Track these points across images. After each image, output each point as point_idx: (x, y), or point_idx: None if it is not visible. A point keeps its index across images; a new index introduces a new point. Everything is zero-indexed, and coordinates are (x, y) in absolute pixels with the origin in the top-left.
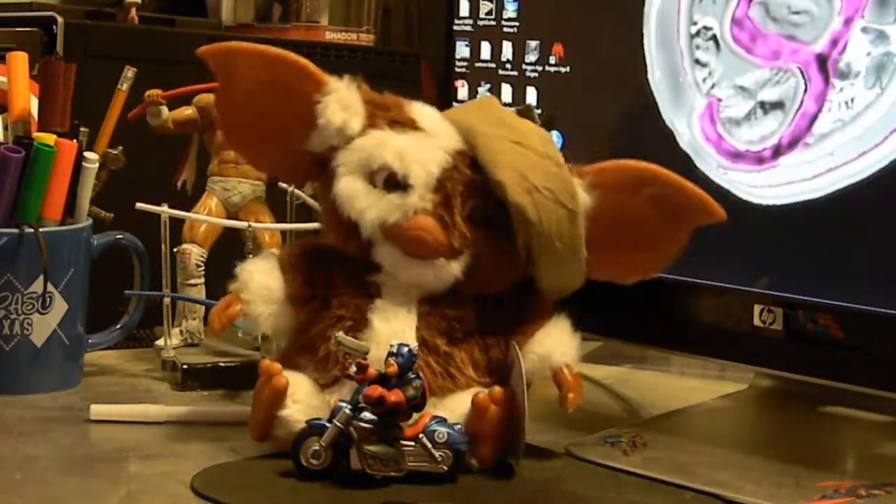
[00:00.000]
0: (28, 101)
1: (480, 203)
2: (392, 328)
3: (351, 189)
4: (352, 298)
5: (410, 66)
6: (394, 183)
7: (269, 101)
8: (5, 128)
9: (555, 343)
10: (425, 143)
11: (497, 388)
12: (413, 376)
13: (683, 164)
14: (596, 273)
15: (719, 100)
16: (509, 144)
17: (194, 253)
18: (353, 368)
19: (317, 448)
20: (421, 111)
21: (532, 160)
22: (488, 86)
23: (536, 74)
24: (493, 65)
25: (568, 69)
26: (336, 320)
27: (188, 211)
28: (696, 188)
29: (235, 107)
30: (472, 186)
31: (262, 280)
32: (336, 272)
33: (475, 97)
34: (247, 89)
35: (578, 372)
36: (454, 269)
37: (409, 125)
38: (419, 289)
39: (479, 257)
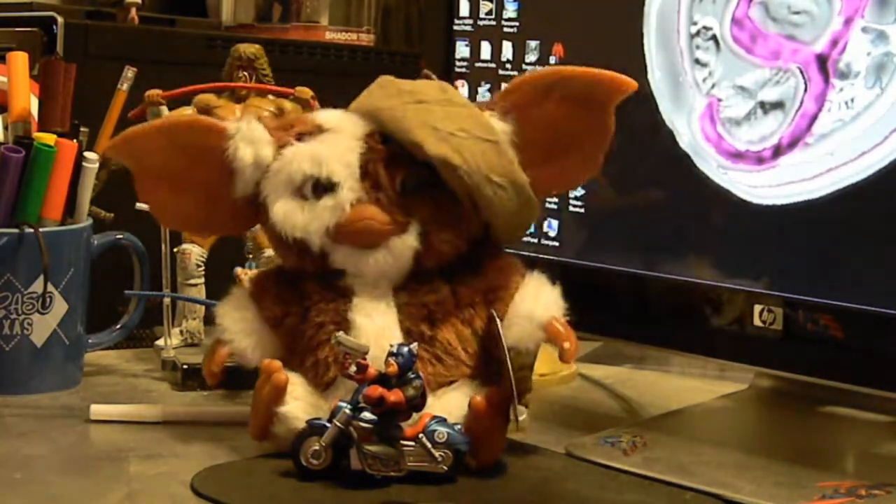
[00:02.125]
0: (28, 101)
1: (406, 171)
2: (376, 324)
3: (285, 211)
4: (329, 303)
5: (410, 65)
6: (322, 188)
7: (186, 169)
8: (5, 128)
9: (535, 300)
10: (335, 139)
11: (492, 389)
12: (413, 376)
13: (683, 163)
14: (542, 191)
15: (719, 100)
16: (412, 106)
17: (194, 253)
18: (353, 368)
19: (317, 448)
20: (324, 115)
21: (437, 112)
22: (488, 86)
23: None
24: (493, 65)
25: None
26: (318, 327)
27: None
28: (598, 70)
29: (158, 189)
30: (394, 159)
31: (236, 314)
32: (305, 284)
33: (476, 98)
34: (160, 167)
35: (580, 374)
36: (409, 241)
37: (316, 132)
38: (387, 277)
39: (426, 222)
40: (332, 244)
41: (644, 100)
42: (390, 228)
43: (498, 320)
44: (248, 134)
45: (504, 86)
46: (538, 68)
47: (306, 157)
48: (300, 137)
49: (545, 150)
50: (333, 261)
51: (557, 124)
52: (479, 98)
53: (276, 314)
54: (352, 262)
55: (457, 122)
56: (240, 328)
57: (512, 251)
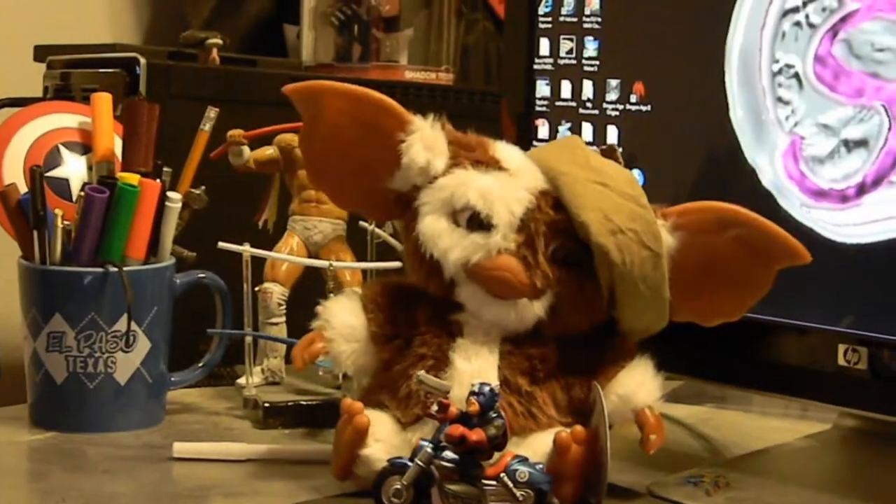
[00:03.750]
0: (112, 142)
1: (563, 244)
2: (474, 367)
3: (434, 228)
4: (434, 337)
5: (490, 104)
6: (477, 223)
7: (354, 139)
8: (90, 168)
9: (637, 384)
10: (509, 183)
11: (579, 428)
12: (494, 415)
13: (766, 202)
14: (679, 315)
15: (802, 138)
16: (593, 185)
17: (276, 292)
18: (435, 407)
19: (398, 487)
20: (504, 151)
21: (616, 201)
22: (569, 125)
23: (617, 113)
24: (573, 103)
25: (649, 108)
26: (418, 359)
27: (270, 250)
28: (780, 230)
29: (320, 144)
30: (556, 227)
31: (345, 318)
32: (418, 311)
33: (556, 136)
34: (331, 127)
35: (661, 413)
36: (537, 309)
37: (493, 165)
38: (501, 328)
39: (561, 298)
40: (464, 278)
41: (726, 139)
42: (525, 289)
43: (602, 396)
44: (427, 137)
45: (685, 205)
46: (710, 204)
47: (476, 187)
48: (476, 164)
49: (699, 280)
50: (458, 294)
51: (721, 261)
52: (559, 135)
53: (384, 333)
54: (476, 303)
55: (629, 220)
56: (344, 333)
57: None
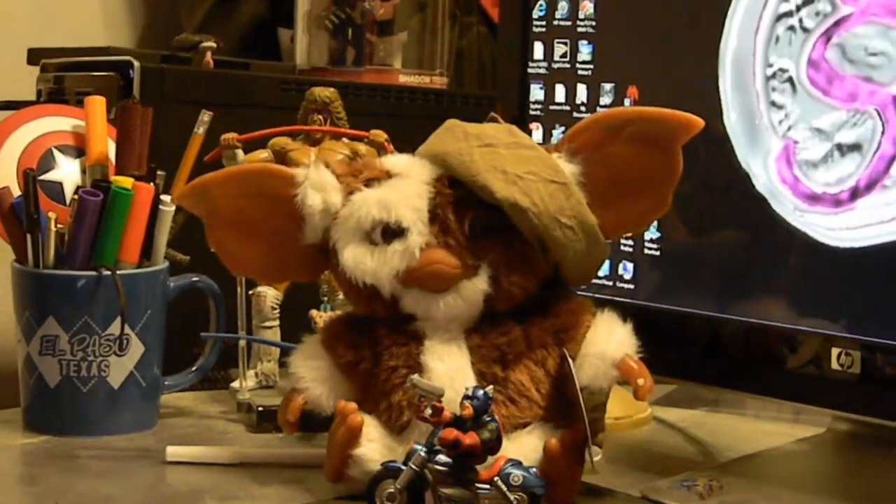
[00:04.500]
0: (105, 145)
1: (475, 215)
2: (448, 366)
3: (355, 256)
4: (400, 347)
5: (484, 108)
6: (391, 233)
7: (255, 215)
8: (84, 171)
9: (606, 338)
10: (403, 184)
11: (566, 432)
12: (488, 419)
13: (759, 206)
14: (612, 231)
15: (795, 142)
16: (479, 149)
17: (269, 296)
18: (429, 411)
19: (392, 490)
20: (392, 160)
21: (505, 154)
22: (563, 128)
23: None
24: (567, 107)
25: None
26: (391, 372)
27: None
28: (664, 109)
29: (229, 237)
30: (461, 203)
31: (309, 364)
32: (377, 329)
33: (549, 140)
34: (231, 214)
35: (654, 417)
36: (479, 284)
37: (384, 177)
38: (458, 320)
39: (496, 265)
40: (402, 289)
41: (719, 142)
42: (460, 272)
43: (570, 360)
44: (316, 180)
45: (571, 129)
46: (592, 117)
47: (374, 202)
48: (368, 183)
49: (614, 191)
50: (404, 305)
51: (626, 164)
52: (553, 137)
53: (348, 360)
54: (422, 306)
55: (525, 164)
56: (313, 376)
57: (587, 294)
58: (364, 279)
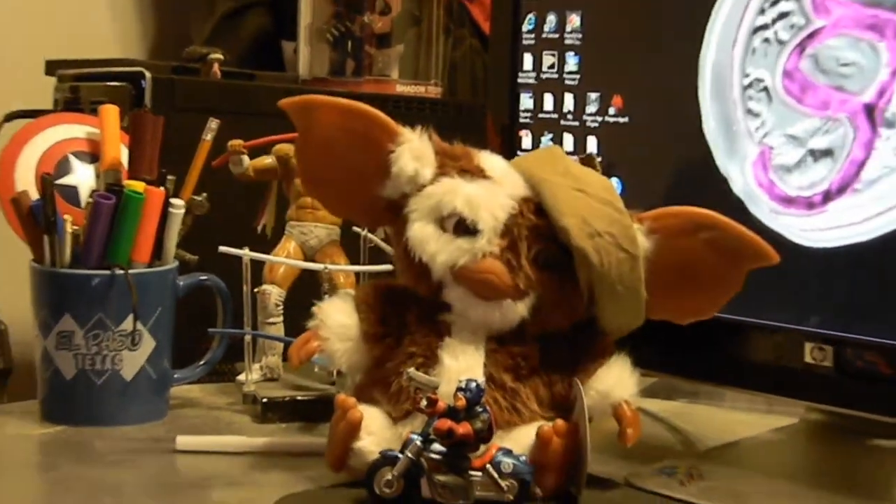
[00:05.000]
0: (119, 151)
1: (545, 247)
2: (461, 365)
3: (422, 233)
4: (423, 336)
5: (476, 117)
6: (463, 228)
7: (346, 150)
8: (98, 176)
9: (615, 380)
10: (493, 190)
11: (560, 421)
12: (480, 410)
13: (737, 208)
14: (654, 313)
15: (771, 148)
16: (573, 192)
17: (274, 293)
18: (424, 402)
19: (389, 478)
20: (489, 160)
21: (594, 207)
22: (551, 135)
23: (597, 124)
24: (555, 115)
25: (627, 119)
26: (408, 357)
27: (268, 254)
28: (750, 233)
29: (314, 155)
30: (537, 231)
31: (338, 318)
32: (408, 311)
33: (538, 146)
34: (324, 139)
35: (637, 408)
36: (520, 309)
37: (478, 173)
38: (487, 328)
39: (543, 298)
40: (451, 280)
41: (699, 149)
42: (509, 291)
43: (582, 391)
44: (416, 148)
45: (659, 210)
46: (684, 209)
47: (462, 195)
48: (462, 172)
49: (673, 280)
50: (446, 295)
51: (694, 263)
52: (542, 145)
53: (375, 332)
54: (463, 304)
55: (607, 224)
56: (338, 332)
57: None
58: (422, 256)
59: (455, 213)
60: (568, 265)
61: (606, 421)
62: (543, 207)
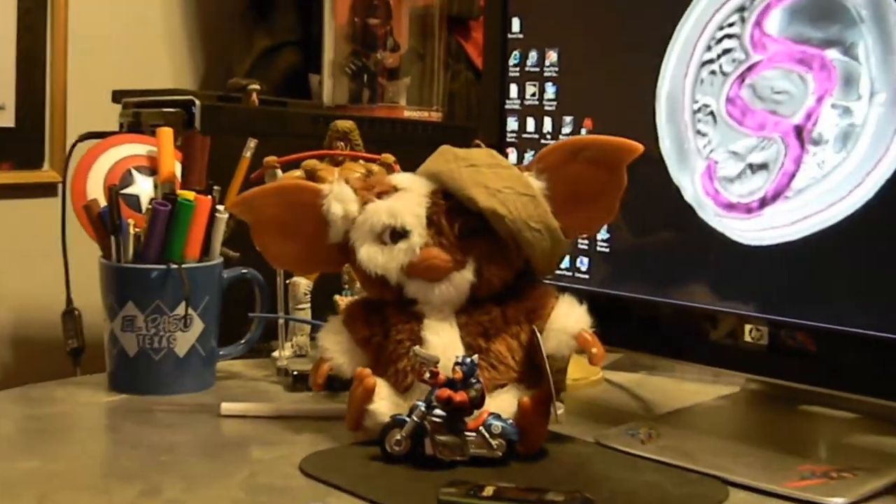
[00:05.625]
0: (173, 166)
1: (464, 221)
2: (442, 339)
3: (369, 254)
4: (404, 324)
5: (471, 137)
6: (397, 235)
7: (292, 222)
8: (155, 187)
9: (566, 315)
10: (406, 197)
11: (536, 392)
12: (474, 381)
13: (687, 213)
14: (571, 233)
15: (716, 162)
16: (466, 169)
17: (302, 284)
18: (427, 375)
19: (398, 438)
20: (398, 178)
21: (486, 173)
22: (533, 152)
23: None
24: (536, 136)
25: None
26: (397, 343)
27: None
28: (612, 137)
29: (270, 236)
30: (453, 211)
31: (332, 337)
32: (387, 310)
33: (522, 161)
34: (271, 219)
35: (604, 379)
36: (466, 276)
37: (392, 190)
38: (451, 304)
39: (480, 260)
40: (406, 279)
41: (656, 163)
42: (451, 266)
43: (538, 334)
44: (339, 193)
45: (540, 152)
46: (557, 143)
47: (385, 210)
48: (380, 195)
49: (572, 201)
50: (407, 292)
51: (582, 181)
52: (525, 160)
53: (364, 335)
54: (422, 292)
55: (502, 180)
56: (336, 348)
57: (552, 283)
58: (376, 271)
59: (385, 226)
60: (487, 227)
61: (578, 389)
62: (449, 191)
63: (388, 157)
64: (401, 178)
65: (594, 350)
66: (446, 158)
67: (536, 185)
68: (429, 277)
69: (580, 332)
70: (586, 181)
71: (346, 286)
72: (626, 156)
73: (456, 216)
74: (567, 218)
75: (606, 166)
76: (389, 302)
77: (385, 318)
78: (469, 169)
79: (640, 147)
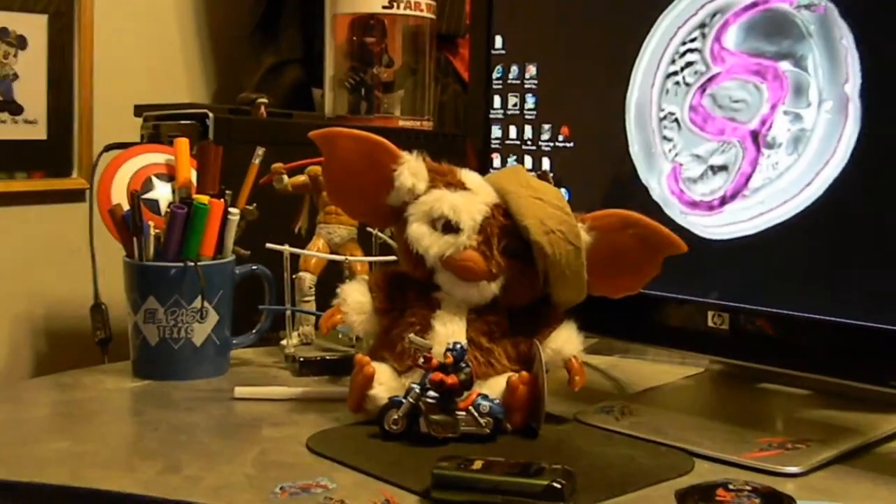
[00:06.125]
0: (189, 173)
1: (511, 241)
2: (448, 330)
3: (418, 232)
4: (420, 309)
5: (459, 144)
6: (449, 227)
7: (360, 169)
8: (173, 192)
9: (565, 340)
10: (471, 198)
11: (524, 373)
12: (464, 365)
13: (655, 210)
14: (594, 290)
15: (681, 164)
16: (532, 199)
17: (307, 278)
18: (421, 360)
19: (396, 417)
20: (468, 176)
21: (548, 210)
22: (515, 157)
23: (549, 148)
24: (518, 142)
25: (572, 144)
26: (409, 325)
27: (303, 249)
28: (666, 229)
29: (336, 173)
30: (505, 229)
31: (356, 297)
32: (409, 291)
33: (505, 165)
34: (343, 161)
35: (583, 361)
36: (493, 288)
37: (460, 186)
38: (468, 303)
39: (510, 280)
40: (440, 267)
41: (626, 165)
42: (484, 274)
43: (540, 349)
44: (413, 166)
45: (597, 212)
46: (616, 211)
47: (448, 202)
48: (448, 185)
49: (608, 265)
50: (437, 278)
51: (624, 251)
52: (508, 164)
53: (383, 307)
54: (449, 284)
55: (558, 223)
56: (355, 307)
57: None
58: (418, 248)
59: (443, 216)
60: (528, 255)
61: (559, 371)
62: (510, 211)
63: None
64: (472, 178)
65: (577, 378)
66: (519, 181)
67: (585, 239)
68: (461, 275)
69: (570, 358)
70: (627, 253)
71: (347, 280)
72: (669, 249)
73: (506, 234)
74: (597, 276)
75: (650, 249)
76: (415, 282)
77: (405, 297)
78: (535, 201)
79: (684, 247)
